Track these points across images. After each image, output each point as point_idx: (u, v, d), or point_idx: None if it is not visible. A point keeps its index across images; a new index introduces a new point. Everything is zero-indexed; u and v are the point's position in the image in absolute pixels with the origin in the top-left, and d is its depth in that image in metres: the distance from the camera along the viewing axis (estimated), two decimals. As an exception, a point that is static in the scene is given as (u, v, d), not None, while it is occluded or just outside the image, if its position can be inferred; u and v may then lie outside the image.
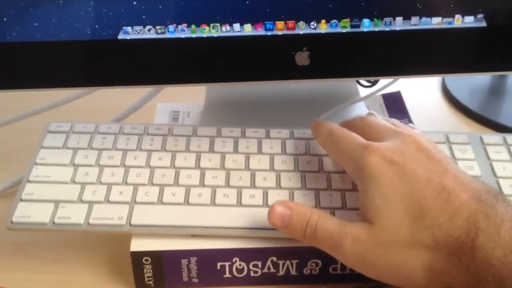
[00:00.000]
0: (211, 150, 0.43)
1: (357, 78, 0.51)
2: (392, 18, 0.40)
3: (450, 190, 0.33)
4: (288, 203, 0.37)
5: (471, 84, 0.62)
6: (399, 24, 0.41)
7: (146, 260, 0.38)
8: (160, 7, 0.39)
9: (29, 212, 0.39)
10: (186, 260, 0.38)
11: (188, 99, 0.57)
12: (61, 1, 0.37)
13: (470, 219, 0.32)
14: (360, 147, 0.37)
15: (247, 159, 0.43)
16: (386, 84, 0.56)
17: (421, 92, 0.63)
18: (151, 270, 0.38)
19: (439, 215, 0.33)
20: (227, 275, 0.39)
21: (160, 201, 0.40)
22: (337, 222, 0.35)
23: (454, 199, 0.33)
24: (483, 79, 0.63)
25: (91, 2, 0.38)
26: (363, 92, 0.56)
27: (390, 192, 0.34)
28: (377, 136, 0.39)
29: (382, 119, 0.41)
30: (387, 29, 0.41)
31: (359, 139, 0.38)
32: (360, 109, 0.54)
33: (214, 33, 0.40)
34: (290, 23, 0.40)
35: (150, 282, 0.39)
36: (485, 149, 0.45)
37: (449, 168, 0.35)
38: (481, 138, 0.46)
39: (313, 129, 0.43)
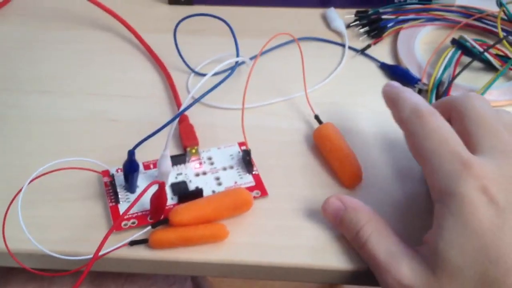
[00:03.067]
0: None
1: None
2: None
3: None
4: (345, 199, 0.30)
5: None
6: None
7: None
8: None
9: None
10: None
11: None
12: None
13: None
14: (457, 161, 0.25)
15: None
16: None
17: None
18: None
19: None
20: None
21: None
22: (390, 246, 0.27)
23: None
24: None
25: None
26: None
27: (472, 250, 0.24)
28: (478, 141, 0.27)
29: (493, 113, 0.28)
30: None
31: (458, 145, 0.26)
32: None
33: None
34: None
35: None
36: None
37: None
38: None
39: (388, 93, 0.31)
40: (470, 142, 0.27)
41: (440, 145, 0.26)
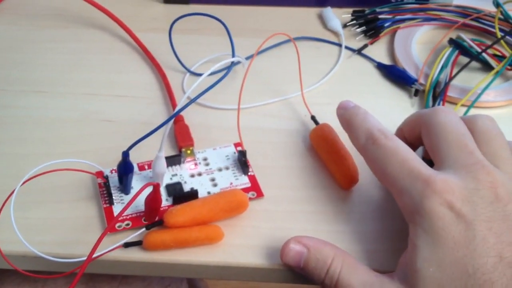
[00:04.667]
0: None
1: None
2: None
3: None
4: (305, 240, 0.28)
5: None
6: None
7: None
8: None
9: None
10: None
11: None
12: None
13: None
14: (419, 179, 0.26)
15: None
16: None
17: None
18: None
19: None
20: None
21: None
22: (364, 277, 0.26)
23: None
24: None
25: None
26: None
27: (449, 264, 0.24)
28: (443, 156, 0.27)
29: (459, 126, 0.28)
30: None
31: (417, 164, 0.26)
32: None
33: None
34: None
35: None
36: None
37: None
38: None
39: (343, 118, 0.31)
40: (436, 157, 0.28)
41: (400, 167, 0.27)
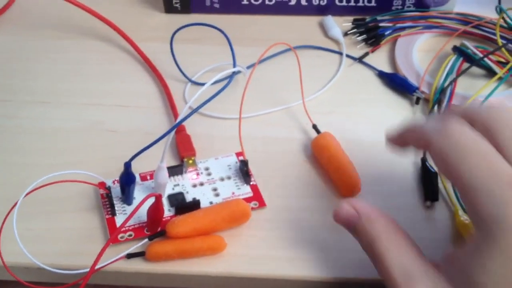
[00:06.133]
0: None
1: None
2: None
3: None
4: (358, 206, 0.27)
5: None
6: None
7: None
8: None
9: None
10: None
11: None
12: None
13: None
14: (504, 183, 0.22)
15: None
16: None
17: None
18: None
19: None
20: (245, 1, 0.48)
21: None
22: (407, 267, 0.24)
23: None
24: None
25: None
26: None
27: None
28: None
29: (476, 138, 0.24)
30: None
31: (501, 164, 0.23)
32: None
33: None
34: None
35: (177, 5, 0.48)
36: None
37: None
38: None
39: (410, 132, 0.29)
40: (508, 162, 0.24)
41: (482, 168, 0.23)
